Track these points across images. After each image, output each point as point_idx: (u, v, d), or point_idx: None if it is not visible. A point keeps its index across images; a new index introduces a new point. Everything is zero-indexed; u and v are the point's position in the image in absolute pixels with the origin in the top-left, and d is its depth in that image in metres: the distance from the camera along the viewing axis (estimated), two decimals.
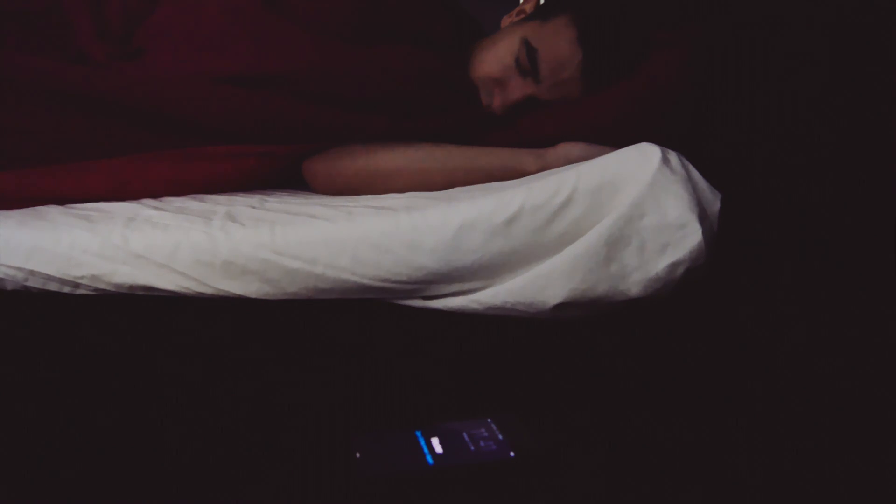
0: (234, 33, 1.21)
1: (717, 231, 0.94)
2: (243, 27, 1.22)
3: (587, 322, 0.97)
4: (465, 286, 0.97)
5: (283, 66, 1.18)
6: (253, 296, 0.97)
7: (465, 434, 0.84)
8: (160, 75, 1.17)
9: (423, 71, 1.22)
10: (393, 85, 1.20)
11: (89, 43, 1.25)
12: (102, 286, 0.97)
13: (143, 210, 1.06)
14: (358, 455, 0.81)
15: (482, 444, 0.82)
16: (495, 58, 1.23)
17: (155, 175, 1.14)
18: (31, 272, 0.97)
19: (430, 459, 0.80)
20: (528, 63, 1.19)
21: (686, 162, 0.96)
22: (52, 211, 1.06)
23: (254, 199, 1.12)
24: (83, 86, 1.11)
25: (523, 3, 1.31)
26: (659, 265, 0.92)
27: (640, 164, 0.94)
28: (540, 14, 1.24)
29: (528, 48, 1.18)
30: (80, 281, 0.97)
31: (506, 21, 1.33)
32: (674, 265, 0.92)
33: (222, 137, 1.15)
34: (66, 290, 0.98)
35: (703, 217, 0.92)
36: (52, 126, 1.12)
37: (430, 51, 1.25)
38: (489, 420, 0.87)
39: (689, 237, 0.91)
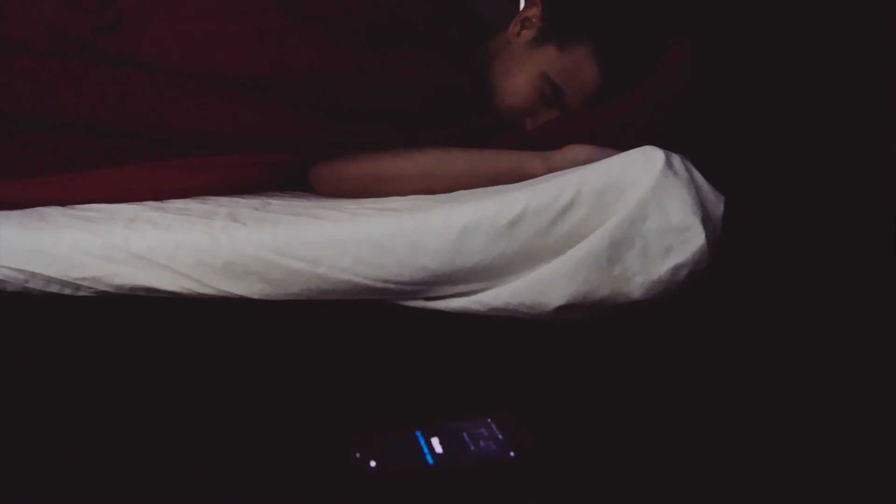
0: (237, 28, 1.16)
1: (721, 234, 0.94)
2: (248, 22, 1.17)
3: (589, 324, 0.97)
4: (468, 287, 0.97)
5: (289, 74, 1.14)
6: (255, 296, 0.97)
7: (465, 434, 0.84)
8: (165, 85, 1.15)
9: (432, 83, 1.19)
10: (401, 97, 1.18)
11: (59, 15, 1.16)
12: (103, 288, 0.97)
13: (144, 211, 1.05)
14: (358, 455, 0.81)
15: (482, 444, 0.82)
16: (519, 92, 1.22)
17: (160, 184, 1.13)
18: (32, 274, 0.97)
19: (430, 459, 0.79)
20: (554, 99, 1.20)
21: (689, 165, 0.96)
22: (53, 212, 1.05)
23: (256, 202, 1.12)
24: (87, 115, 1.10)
25: (524, 9, 1.25)
26: (662, 268, 0.92)
27: (643, 167, 0.94)
28: (554, 36, 1.20)
29: (553, 87, 1.19)
30: (80, 283, 0.97)
31: (513, 32, 1.26)
32: (677, 268, 0.92)
33: (227, 147, 1.14)
34: (67, 291, 0.98)
35: (706, 220, 0.92)
36: (53, 138, 1.11)
37: (440, 55, 1.22)
38: (489, 420, 0.87)
39: (693, 240, 0.91)
